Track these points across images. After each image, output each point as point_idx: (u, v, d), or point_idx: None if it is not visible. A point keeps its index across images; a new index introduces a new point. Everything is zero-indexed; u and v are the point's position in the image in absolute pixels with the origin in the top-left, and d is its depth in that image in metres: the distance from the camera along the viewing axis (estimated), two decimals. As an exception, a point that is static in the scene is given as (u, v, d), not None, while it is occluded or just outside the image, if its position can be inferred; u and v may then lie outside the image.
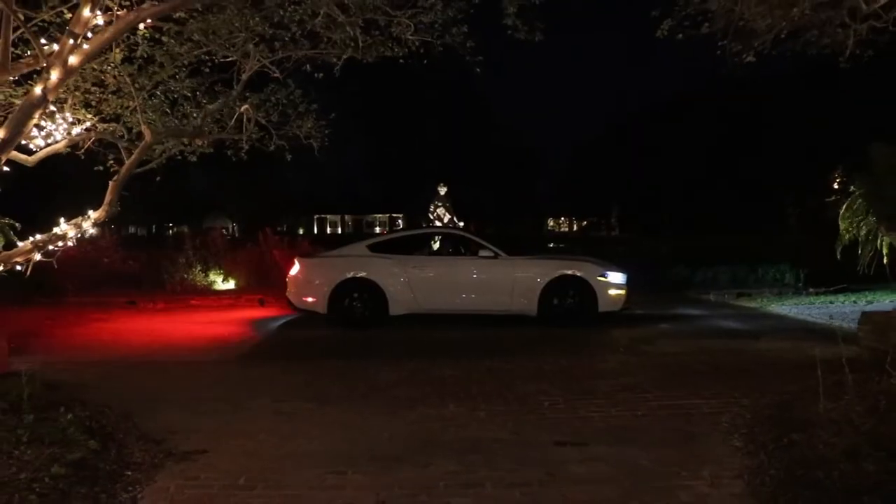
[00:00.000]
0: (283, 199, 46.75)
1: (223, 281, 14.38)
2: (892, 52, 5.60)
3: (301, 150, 6.52)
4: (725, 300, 12.87)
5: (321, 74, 5.56)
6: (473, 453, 4.29)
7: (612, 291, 9.53)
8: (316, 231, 59.82)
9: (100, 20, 3.25)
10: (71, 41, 3.13)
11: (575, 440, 4.54)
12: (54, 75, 3.11)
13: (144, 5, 3.51)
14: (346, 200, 58.36)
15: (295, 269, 9.93)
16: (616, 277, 9.64)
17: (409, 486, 3.74)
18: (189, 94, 5.30)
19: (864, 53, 5.22)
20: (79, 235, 4.19)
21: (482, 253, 9.77)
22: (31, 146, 4.32)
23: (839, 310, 10.66)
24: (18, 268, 3.83)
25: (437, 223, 14.29)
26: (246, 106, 5.47)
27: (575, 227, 65.24)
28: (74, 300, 12.59)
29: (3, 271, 3.77)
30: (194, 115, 5.65)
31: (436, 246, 10.58)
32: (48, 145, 4.04)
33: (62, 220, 4.09)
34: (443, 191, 14.55)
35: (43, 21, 3.79)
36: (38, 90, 3.13)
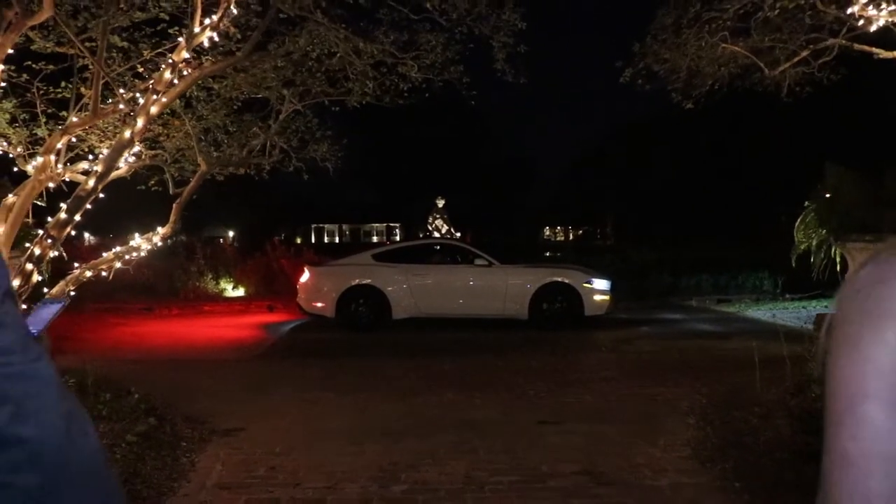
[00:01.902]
0: (281, 209, 47.52)
1: (233, 288, 15.18)
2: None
3: (317, 171, 7.35)
4: (706, 305, 13.71)
5: (338, 108, 6.44)
6: (469, 429, 5.12)
7: (597, 297, 10.36)
8: (313, 240, 60.45)
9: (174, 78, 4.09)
10: (154, 96, 3.98)
11: (554, 419, 5.38)
12: (140, 122, 3.93)
13: (205, 65, 4.35)
14: (344, 210, 59.09)
15: (305, 277, 10.74)
16: (601, 284, 10.47)
17: (416, 453, 4.57)
18: (230, 129, 6.13)
19: (802, 90, 6.12)
20: (149, 247, 5.01)
21: (477, 262, 10.61)
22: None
23: (808, 314, 11.51)
24: (104, 273, 4.65)
25: (436, 234, 15.13)
26: (273, 134, 6.31)
27: (570, 237, 66.05)
28: (93, 306, 13.35)
29: (90, 276, 4.60)
30: (225, 142, 6.49)
31: (435, 255, 11.41)
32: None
33: (137, 234, 4.92)
34: (441, 203, 15.40)
35: (118, 74, 4.63)
36: (127, 134, 3.94)
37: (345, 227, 65.45)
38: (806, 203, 7.95)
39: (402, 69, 6.18)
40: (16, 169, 4.95)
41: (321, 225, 64.54)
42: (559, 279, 10.38)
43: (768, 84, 6.03)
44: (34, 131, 5.03)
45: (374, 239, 61.01)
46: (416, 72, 6.16)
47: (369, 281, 10.41)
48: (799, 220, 7.93)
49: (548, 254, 28.19)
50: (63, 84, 4.78)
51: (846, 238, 7.43)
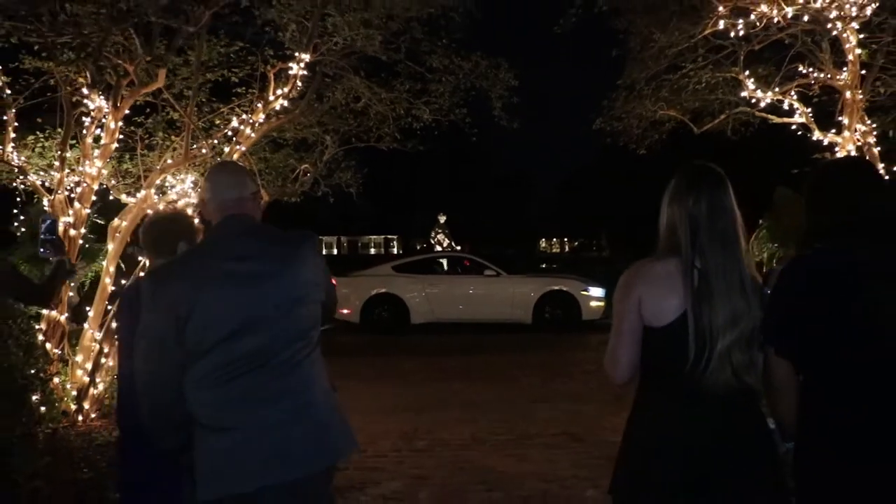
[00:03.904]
0: (280, 221, 48.63)
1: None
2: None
3: (339, 193, 8.62)
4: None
5: (364, 145, 7.73)
6: (473, 407, 6.37)
7: (593, 303, 11.63)
8: (312, 252, 61.09)
9: (252, 133, 5.36)
10: (237, 147, 5.22)
11: (542, 400, 6.65)
12: (225, 166, 5.21)
13: (272, 120, 5.61)
14: (342, 222, 60.14)
15: None
16: (596, 292, 11.75)
17: (431, 422, 5.81)
18: (278, 164, 7.40)
19: (747, 130, 7.45)
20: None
21: (486, 272, 11.89)
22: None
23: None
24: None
25: (438, 247, 16.42)
26: (305, 165, 7.57)
27: (566, 248, 67.24)
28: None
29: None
30: (265, 171, 7.74)
31: (449, 267, 12.63)
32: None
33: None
34: (442, 219, 16.71)
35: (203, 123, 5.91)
36: (214, 175, 5.21)
37: (343, 238, 66.62)
38: (760, 221, 9.23)
39: (415, 112, 7.47)
40: (111, 197, 6.21)
41: (320, 237, 65.42)
42: (559, 287, 11.62)
43: (715, 126, 7.42)
44: (126, 167, 6.30)
45: (372, 251, 62.04)
46: (427, 114, 7.45)
47: (390, 290, 11.64)
48: (753, 235, 9.21)
49: (543, 265, 29.47)
50: (161, 135, 6.07)
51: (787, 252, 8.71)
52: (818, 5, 5.26)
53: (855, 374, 1.79)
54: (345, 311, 11.64)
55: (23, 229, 6.71)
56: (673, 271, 1.88)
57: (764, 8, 5.34)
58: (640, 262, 1.98)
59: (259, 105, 5.37)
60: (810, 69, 6.34)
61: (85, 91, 4.99)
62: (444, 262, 12.93)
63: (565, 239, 67.97)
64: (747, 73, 6.33)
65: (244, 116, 5.58)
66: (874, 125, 6.20)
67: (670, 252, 1.93)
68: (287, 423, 1.92)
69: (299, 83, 5.33)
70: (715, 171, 1.97)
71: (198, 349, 1.90)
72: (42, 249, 3.18)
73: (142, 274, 5.27)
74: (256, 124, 5.40)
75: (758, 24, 5.50)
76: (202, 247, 2.21)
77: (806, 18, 5.48)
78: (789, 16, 5.38)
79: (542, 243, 68.18)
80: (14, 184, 6.61)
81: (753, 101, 6.40)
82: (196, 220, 2.69)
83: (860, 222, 1.84)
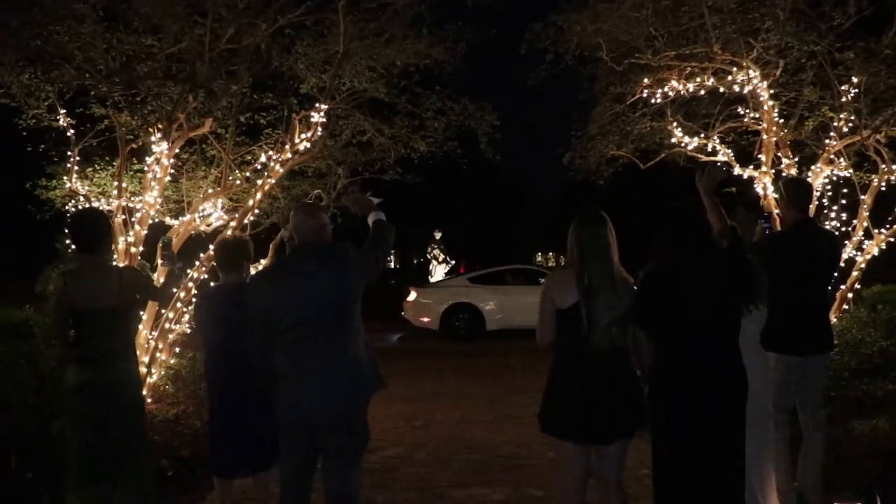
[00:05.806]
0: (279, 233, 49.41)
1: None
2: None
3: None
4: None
5: (369, 175, 8.91)
6: (463, 397, 7.52)
7: None
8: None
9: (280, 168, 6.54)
10: (269, 179, 6.40)
11: (522, 391, 7.77)
12: (258, 195, 6.35)
13: (295, 157, 6.75)
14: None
15: (412, 297, 12.98)
16: None
17: (427, 407, 6.98)
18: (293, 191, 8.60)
19: (698, 162, 8.66)
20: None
21: None
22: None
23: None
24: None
25: (434, 262, 17.62)
26: (318, 190, 8.72)
27: (563, 262, 68.09)
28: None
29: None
30: (284, 197, 8.90)
31: (520, 278, 13.57)
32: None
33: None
34: (438, 235, 17.90)
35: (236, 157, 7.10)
36: (250, 202, 6.35)
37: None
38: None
39: (413, 144, 8.66)
40: (157, 220, 7.36)
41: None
42: None
43: (668, 157, 8.70)
44: (168, 194, 7.46)
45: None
46: (424, 147, 8.64)
47: (467, 299, 12.74)
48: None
49: (541, 280, 30.60)
50: (204, 169, 7.26)
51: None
52: (710, 83, 6.58)
53: (681, 340, 2.93)
54: (425, 320, 12.74)
55: (73, 247, 7.87)
56: (571, 276, 3.04)
57: (674, 83, 6.70)
58: (555, 272, 3.14)
59: (287, 146, 6.55)
60: (747, 110, 7.59)
61: (153, 138, 6.15)
62: (516, 273, 13.84)
63: (561, 255, 68.87)
64: (675, 124, 7.76)
65: (272, 154, 6.78)
66: (797, 160, 7.43)
67: (572, 264, 3.09)
68: (329, 376, 3.06)
69: (320, 129, 6.51)
70: (598, 214, 3.13)
71: (274, 330, 3.07)
72: (162, 260, 4.30)
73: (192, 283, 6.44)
74: (283, 161, 6.57)
75: (670, 94, 6.86)
76: (279, 265, 3.35)
77: (703, 92, 6.82)
78: (691, 90, 6.73)
79: (539, 257, 69.03)
80: (66, 207, 7.80)
81: (682, 144, 7.76)
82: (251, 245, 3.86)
83: (684, 248, 2.99)
